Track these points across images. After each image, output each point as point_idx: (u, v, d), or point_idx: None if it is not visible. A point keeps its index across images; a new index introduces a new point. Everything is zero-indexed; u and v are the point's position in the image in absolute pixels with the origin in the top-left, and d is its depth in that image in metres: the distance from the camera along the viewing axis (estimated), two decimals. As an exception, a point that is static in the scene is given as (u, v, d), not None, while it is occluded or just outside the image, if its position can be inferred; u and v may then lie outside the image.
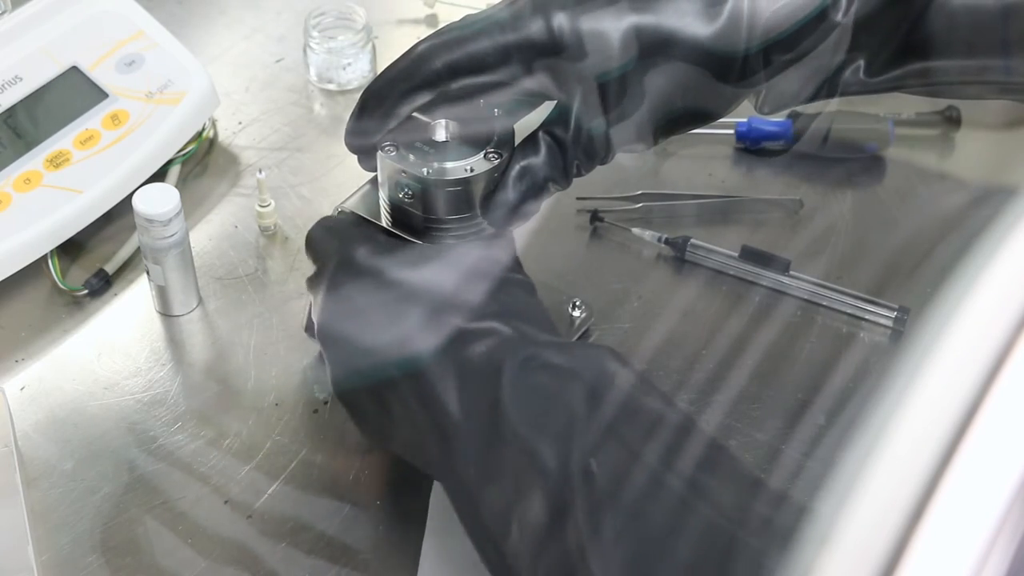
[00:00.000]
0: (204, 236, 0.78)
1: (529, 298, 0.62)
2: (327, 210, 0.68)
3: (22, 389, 0.70)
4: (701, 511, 0.50)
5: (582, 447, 0.53)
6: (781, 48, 0.63)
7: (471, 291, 0.60)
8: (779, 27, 0.63)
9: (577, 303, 0.72)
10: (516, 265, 0.64)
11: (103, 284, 0.75)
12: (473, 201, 0.63)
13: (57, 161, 0.76)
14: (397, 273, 0.61)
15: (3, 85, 0.78)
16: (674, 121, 0.65)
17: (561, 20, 0.61)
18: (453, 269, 0.61)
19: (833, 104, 0.79)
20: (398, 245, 0.63)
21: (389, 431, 0.62)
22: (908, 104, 0.83)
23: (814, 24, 0.63)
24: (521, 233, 0.66)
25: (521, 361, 0.56)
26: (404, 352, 0.58)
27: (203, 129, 0.83)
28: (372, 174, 0.66)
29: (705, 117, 0.67)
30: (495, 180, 0.63)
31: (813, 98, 0.67)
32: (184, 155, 0.81)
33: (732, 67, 0.64)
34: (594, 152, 0.64)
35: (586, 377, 0.55)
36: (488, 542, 0.56)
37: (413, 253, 0.62)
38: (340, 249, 0.63)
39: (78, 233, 0.76)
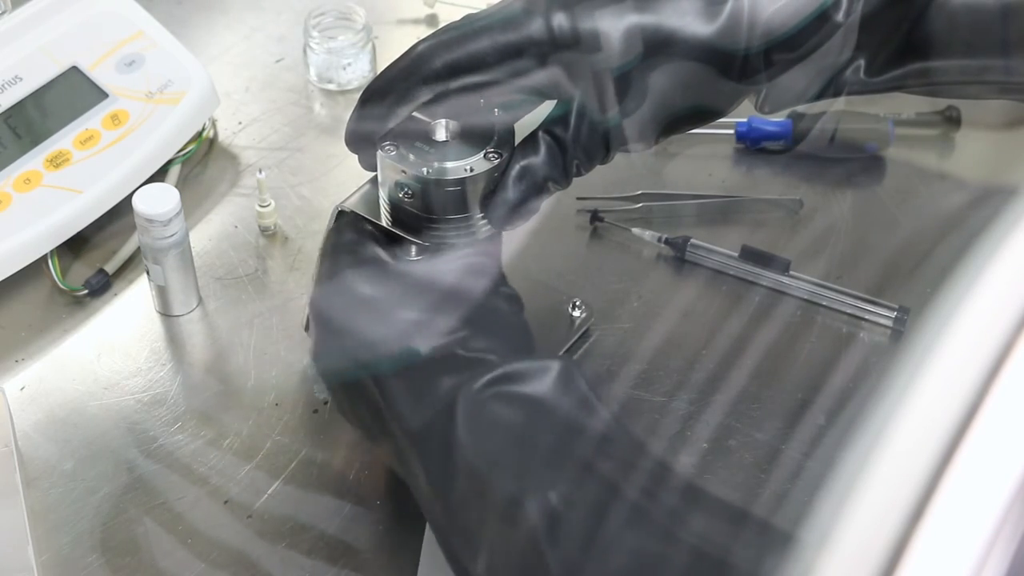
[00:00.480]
0: (204, 236, 0.78)
1: (506, 312, 0.62)
2: (327, 210, 0.68)
3: (22, 389, 0.70)
4: (661, 530, 0.50)
5: (538, 477, 0.53)
6: (782, 47, 0.63)
7: (444, 310, 0.59)
8: (780, 26, 0.63)
9: (577, 303, 0.72)
10: (499, 276, 0.63)
11: (103, 284, 0.75)
12: (473, 201, 0.63)
13: (57, 161, 0.76)
14: (375, 292, 0.61)
15: (3, 85, 0.78)
16: (674, 120, 0.65)
17: (561, 19, 0.61)
18: (433, 284, 0.61)
19: (836, 103, 0.79)
20: (380, 263, 0.63)
21: (370, 438, 0.63)
22: (908, 104, 0.83)
23: (815, 24, 0.63)
24: (521, 233, 0.66)
25: (476, 391, 0.55)
26: (368, 370, 0.59)
27: (203, 129, 0.83)
28: (372, 173, 0.66)
29: (705, 116, 0.67)
30: (495, 180, 0.63)
31: (814, 98, 0.67)
32: (184, 155, 0.81)
33: (732, 66, 0.64)
34: (594, 152, 0.64)
35: (541, 402, 0.55)
36: (458, 565, 0.56)
37: (395, 266, 0.62)
38: (331, 257, 0.63)
39: (78, 233, 0.76)
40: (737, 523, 0.51)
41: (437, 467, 0.56)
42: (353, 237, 0.64)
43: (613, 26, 0.61)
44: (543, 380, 0.56)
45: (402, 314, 0.59)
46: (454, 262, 0.63)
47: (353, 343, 0.60)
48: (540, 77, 0.62)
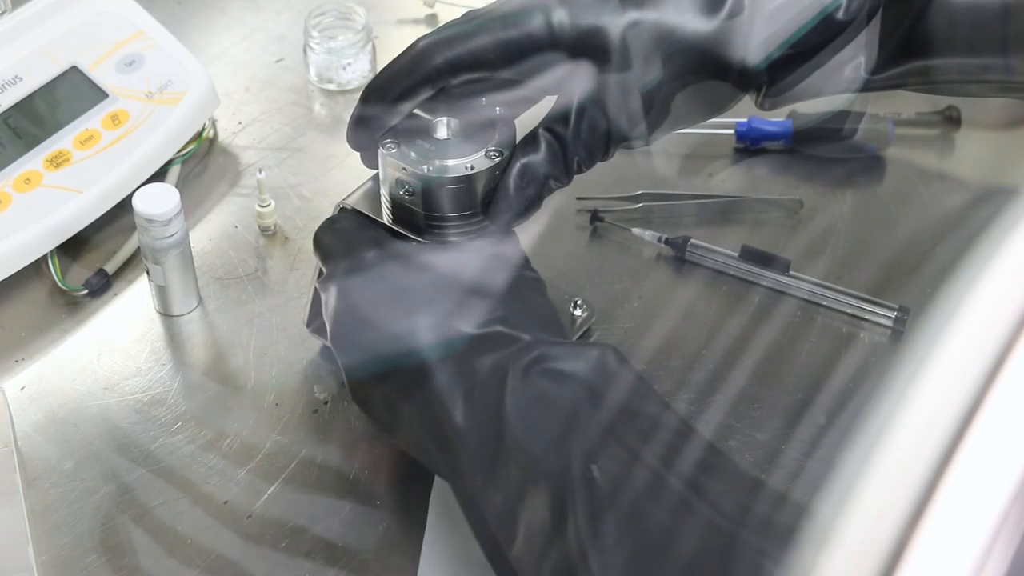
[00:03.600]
0: (204, 236, 0.78)
1: (536, 297, 0.62)
2: (327, 210, 0.68)
3: (22, 389, 0.70)
4: (701, 512, 0.50)
5: (583, 452, 0.53)
6: (782, 45, 0.63)
7: (478, 294, 0.59)
8: (780, 24, 0.63)
9: (578, 302, 0.72)
10: (525, 262, 0.63)
11: (103, 284, 0.75)
12: (474, 199, 0.63)
13: (57, 161, 0.76)
14: (406, 276, 0.61)
15: (3, 85, 0.78)
16: (675, 117, 0.65)
17: (561, 16, 0.61)
18: (461, 271, 0.61)
19: (834, 102, 0.79)
20: (406, 246, 0.63)
21: (398, 430, 0.62)
22: (908, 104, 0.83)
23: (815, 21, 0.63)
24: (521, 232, 0.66)
25: (523, 368, 0.56)
26: (410, 356, 0.58)
27: (203, 129, 0.83)
28: (374, 171, 0.66)
29: (706, 113, 0.67)
30: (496, 178, 0.63)
31: (814, 96, 0.67)
32: (184, 155, 0.81)
33: (732, 63, 0.64)
34: (595, 149, 0.64)
35: (586, 381, 0.55)
36: (495, 547, 0.56)
37: (422, 254, 0.62)
38: (350, 250, 0.63)
39: (78, 233, 0.76)
40: (781, 510, 0.51)
41: (481, 443, 0.55)
42: (356, 223, 0.64)
43: (613, 23, 0.61)
44: (588, 359, 0.56)
45: (436, 302, 0.59)
46: (478, 246, 0.63)
47: (385, 333, 0.59)
48: (540, 74, 0.62)
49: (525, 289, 0.62)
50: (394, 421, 0.61)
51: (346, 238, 0.64)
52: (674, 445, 0.53)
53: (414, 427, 0.60)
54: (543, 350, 0.57)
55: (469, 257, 0.62)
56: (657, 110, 0.64)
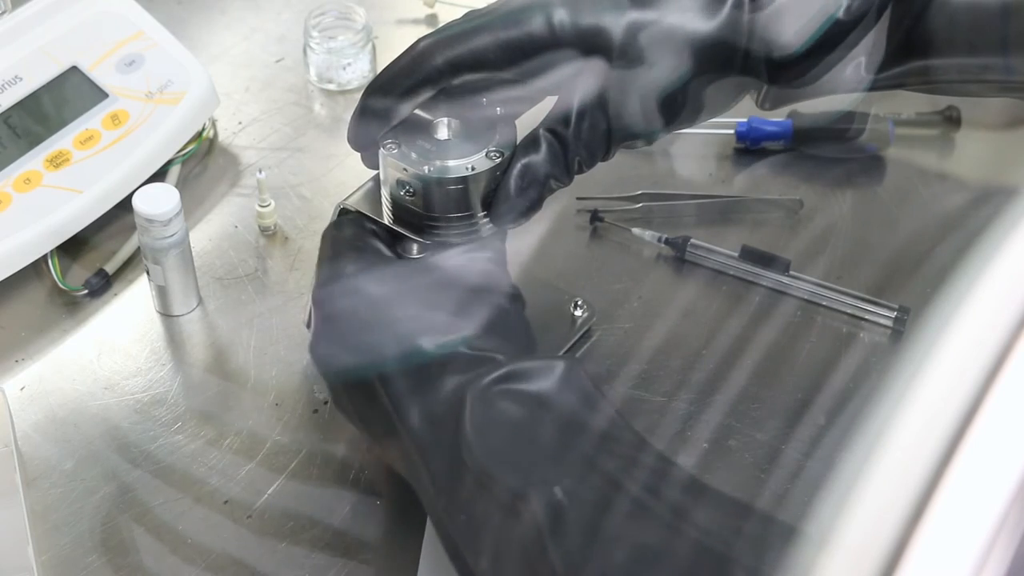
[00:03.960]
0: (204, 236, 0.78)
1: (508, 311, 0.62)
2: (327, 210, 0.68)
3: (22, 389, 0.70)
4: (668, 526, 0.50)
5: (544, 473, 0.53)
6: (782, 45, 0.63)
7: (446, 310, 0.59)
8: (780, 24, 0.63)
9: (579, 302, 0.72)
10: (502, 273, 0.63)
11: (103, 284, 0.75)
12: (475, 199, 0.63)
13: (57, 161, 0.76)
14: (379, 290, 0.61)
15: (3, 85, 0.78)
16: (675, 117, 0.65)
17: (562, 16, 0.61)
18: (434, 284, 0.61)
19: (834, 102, 0.79)
20: (386, 260, 0.63)
21: (373, 440, 0.63)
22: (908, 104, 0.83)
23: (816, 21, 0.63)
24: (523, 232, 0.66)
25: (483, 389, 0.56)
26: (372, 370, 0.59)
27: (203, 129, 0.83)
28: (374, 172, 0.66)
29: (706, 113, 0.67)
30: (497, 178, 0.63)
31: (815, 96, 0.66)
32: (184, 155, 0.81)
33: (733, 63, 0.64)
34: (596, 149, 0.64)
35: (546, 400, 0.55)
36: (462, 564, 0.56)
37: (397, 268, 0.62)
38: (332, 261, 0.63)
39: (78, 233, 0.76)
40: (741, 518, 0.51)
41: (443, 464, 0.56)
42: (355, 232, 0.64)
43: (614, 22, 0.61)
44: (549, 378, 0.56)
45: (407, 312, 0.59)
46: (459, 260, 0.63)
47: (356, 341, 0.60)
48: (541, 74, 0.62)
49: (497, 304, 0.61)
50: (369, 432, 0.62)
51: (335, 246, 0.64)
52: (632, 458, 0.53)
53: (380, 438, 0.60)
54: (504, 371, 0.56)
55: (446, 270, 0.62)
56: (658, 109, 0.64)
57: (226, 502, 0.65)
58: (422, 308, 0.59)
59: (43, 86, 0.79)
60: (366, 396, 0.60)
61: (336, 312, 0.61)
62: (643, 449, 0.54)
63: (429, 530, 0.63)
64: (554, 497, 0.51)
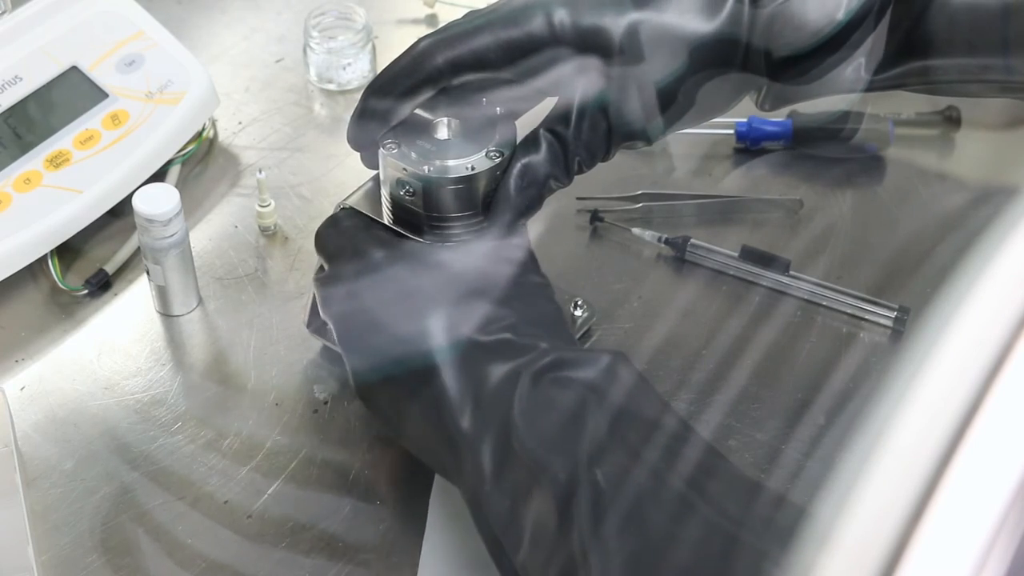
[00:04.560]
0: (204, 236, 0.78)
1: (544, 302, 0.62)
2: (327, 210, 0.68)
3: (22, 389, 0.70)
4: (703, 515, 0.50)
5: (587, 457, 0.53)
6: (782, 45, 0.63)
7: (488, 299, 0.59)
8: (780, 23, 0.63)
9: (579, 302, 0.72)
10: (533, 265, 0.63)
11: (103, 284, 0.75)
12: (475, 199, 0.63)
13: (57, 161, 0.76)
14: (416, 277, 0.61)
15: (3, 85, 0.78)
16: (677, 116, 0.65)
17: (562, 16, 0.61)
18: (472, 274, 0.61)
19: (835, 102, 0.79)
20: (413, 246, 0.63)
21: (403, 431, 0.62)
22: (908, 104, 0.83)
23: (816, 21, 0.63)
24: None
25: (532, 376, 0.56)
26: (419, 359, 0.59)
27: (203, 129, 0.83)
28: (374, 171, 0.66)
29: (706, 113, 0.67)
30: (497, 178, 0.63)
31: (815, 96, 0.66)
32: (184, 155, 0.81)
33: (733, 63, 0.64)
34: (596, 148, 0.64)
35: (594, 388, 0.55)
36: (500, 551, 0.56)
37: (431, 255, 0.62)
38: (356, 250, 0.63)
39: (78, 233, 0.76)
40: (785, 517, 0.51)
41: (490, 452, 0.55)
42: (360, 222, 0.64)
43: (614, 22, 0.61)
44: (597, 367, 0.56)
45: (446, 304, 0.59)
46: (487, 249, 0.63)
47: (395, 334, 0.59)
48: (542, 74, 0.62)
49: (533, 294, 0.62)
50: (400, 422, 0.61)
51: (351, 237, 0.64)
52: (677, 449, 0.53)
53: (420, 429, 0.60)
54: (552, 358, 0.57)
55: (478, 260, 0.62)
56: (659, 109, 0.64)
57: (226, 503, 0.65)
58: (459, 300, 0.59)
59: (43, 86, 0.79)
60: (404, 388, 0.59)
61: (366, 310, 0.61)
62: (691, 442, 0.54)
63: (429, 531, 0.63)
64: (598, 485, 0.52)
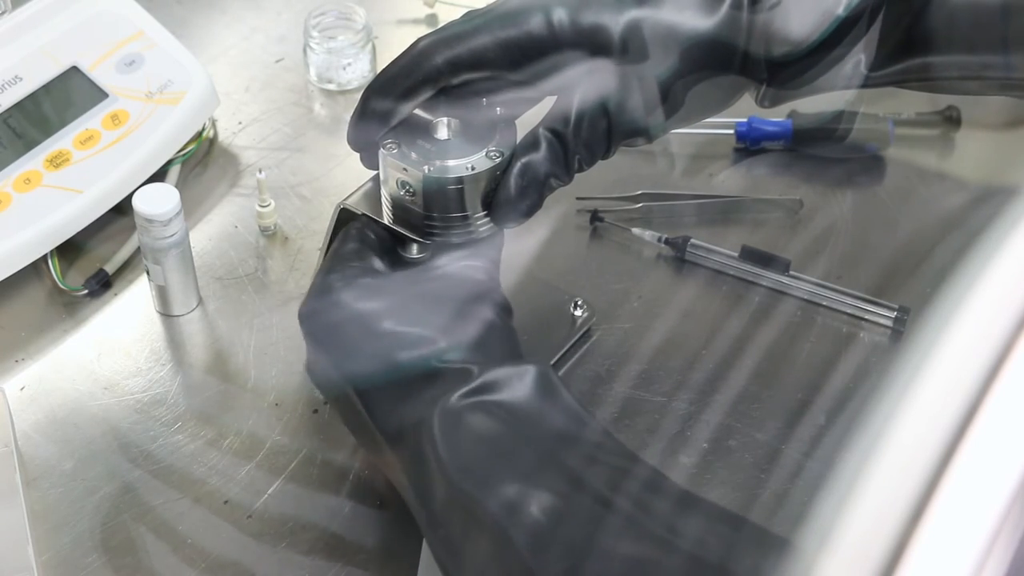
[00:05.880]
0: (204, 236, 0.78)
1: (493, 321, 0.61)
2: (327, 210, 0.68)
3: (22, 389, 0.70)
4: (646, 535, 0.50)
5: (518, 486, 0.52)
6: (782, 42, 0.63)
7: (423, 322, 0.59)
8: (780, 21, 0.63)
9: (579, 302, 0.72)
10: (492, 282, 0.63)
11: (103, 284, 0.75)
12: (475, 199, 0.63)
13: (57, 161, 0.76)
14: (364, 303, 0.61)
15: (3, 85, 0.78)
16: (677, 114, 0.65)
17: (561, 15, 0.61)
18: (416, 299, 0.61)
19: (834, 100, 0.79)
20: (373, 273, 0.63)
21: (367, 450, 0.63)
22: (908, 104, 0.83)
23: (817, 18, 0.63)
24: (523, 231, 0.66)
25: (451, 403, 0.55)
26: (357, 385, 0.59)
27: (203, 129, 0.83)
28: (374, 172, 0.66)
29: (706, 111, 0.67)
30: (497, 178, 0.63)
31: (814, 93, 0.66)
32: (184, 155, 0.81)
33: (732, 61, 0.64)
34: (596, 147, 0.64)
35: (517, 411, 0.55)
36: (447, 573, 0.56)
37: (384, 282, 0.62)
38: (327, 272, 0.63)
39: (78, 233, 0.76)
40: (726, 526, 0.51)
41: (418, 479, 0.56)
42: (354, 247, 0.64)
43: (613, 21, 0.61)
44: (520, 387, 0.56)
45: (384, 327, 0.59)
46: (448, 270, 0.63)
47: (339, 356, 0.60)
48: (541, 73, 0.62)
49: (481, 315, 0.61)
50: (361, 444, 0.63)
51: (330, 261, 0.64)
52: (612, 468, 0.53)
53: (374, 453, 0.61)
54: (475, 384, 0.56)
55: (432, 279, 0.62)
56: (659, 107, 0.64)
57: (226, 502, 0.65)
58: (403, 322, 0.59)
59: (43, 86, 0.79)
60: (352, 410, 0.60)
61: (319, 328, 0.62)
62: (623, 456, 0.54)
63: (429, 530, 0.63)
64: (531, 511, 0.51)
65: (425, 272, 0.63)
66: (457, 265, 0.63)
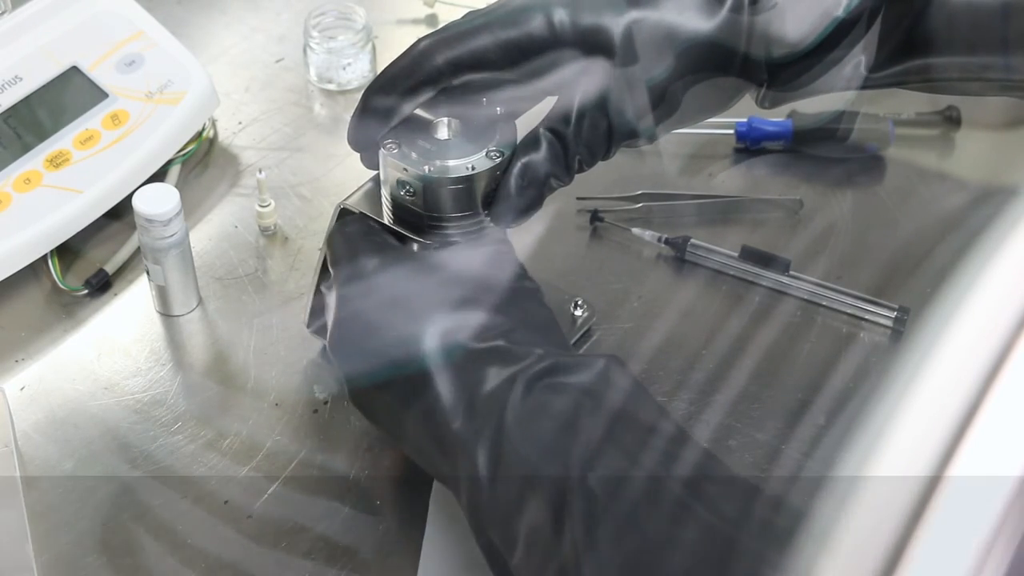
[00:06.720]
0: (204, 236, 0.78)
1: (536, 307, 0.62)
2: (327, 210, 0.68)
3: (22, 389, 0.70)
4: (699, 518, 0.50)
5: (580, 461, 0.53)
6: (782, 43, 0.63)
7: (480, 306, 0.59)
8: (779, 23, 0.63)
9: (579, 302, 0.72)
10: (522, 270, 0.63)
11: (103, 284, 0.75)
12: (475, 199, 0.63)
13: (57, 161, 0.76)
14: (408, 284, 0.61)
15: (3, 85, 0.78)
16: (677, 115, 0.65)
17: (562, 16, 0.61)
18: (464, 280, 0.61)
19: (834, 100, 0.79)
20: (409, 254, 0.63)
21: (400, 436, 0.62)
22: (908, 104, 0.83)
23: (816, 19, 0.63)
24: (524, 231, 0.66)
25: (526, 382, 0.56)
26: (412, 365, 0.58)
27: (203, 129, 0.83)
28: (374, 172, 0.66)
29: (707, 111, 0.67)
30: (497, 178, 0.63)
31: (814, 93, 0.66)
32: (184, 155, 0.81)
33: (732, 62, 0.64)
34: (596, 147, 0.64)
35: (587, 392, 0.55)
36: (496, 557, 0.56)
37: (424, 263, 0.62)
38: (352, 257, 0.63)
39: (78, 233, 0.76)
40: (780, 514, 0.51)
41: (485, 458, 0.55)
42: (365, 228, 0.64)
43: (614, 22, 0.61)
44: (591, 372, 0.56)
45: (441, 311, 0.59)
46: (478, 255, 0.63)
47: (386, 341, 0.59)
48: (541, 73, 0.62)
49: (527, 299, 0.62)
50: (396, 428, 0.61)
51: (351, 243, 0.64)
52: (672, 453, 0.53)
53: (416, 436, 0.60)
54: (547, 364, 0.56)
55: (473, 265, 0.62)
56: (659, 108, 0.64)
57: (226, 503, 0.65)
58: (452, 306, 0.59)
59: (43, 86, 0.79)
60: (396, 395, 0.59)
61: (361, 313, 0.61)
62: (687, 445, 0.54)
63: (429, 531, 0.63)
64: (592, 491, 0.51)
65: (452, 257, 0.63)
66: (485, 251, 0.63)
